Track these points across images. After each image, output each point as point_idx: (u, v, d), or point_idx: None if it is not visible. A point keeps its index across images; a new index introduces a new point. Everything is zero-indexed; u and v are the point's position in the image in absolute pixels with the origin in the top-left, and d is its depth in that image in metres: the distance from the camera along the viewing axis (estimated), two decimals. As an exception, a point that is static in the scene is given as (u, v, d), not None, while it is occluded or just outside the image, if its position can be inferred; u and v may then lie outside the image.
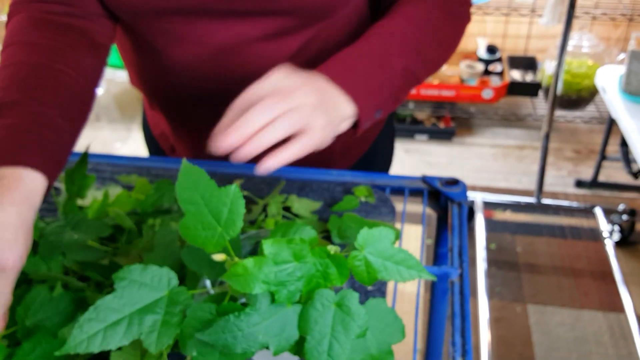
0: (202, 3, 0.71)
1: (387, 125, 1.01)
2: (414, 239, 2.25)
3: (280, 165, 0.58)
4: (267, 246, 0.45)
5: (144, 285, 0.46)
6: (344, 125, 0.65)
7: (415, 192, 0.87)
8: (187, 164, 0.49)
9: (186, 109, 0.88)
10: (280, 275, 0.45)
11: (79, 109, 0.69)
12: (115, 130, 2.90)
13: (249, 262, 0.45)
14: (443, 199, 0.85)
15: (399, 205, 0.88)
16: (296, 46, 0.76)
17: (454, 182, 0.85)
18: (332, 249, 0.48)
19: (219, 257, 0.48)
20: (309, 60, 0.78)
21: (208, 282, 0.54)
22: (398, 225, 0.83)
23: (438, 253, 0.89)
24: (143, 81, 0.89)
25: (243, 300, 0.49)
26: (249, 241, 0.60)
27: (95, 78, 0.73)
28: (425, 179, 0.87)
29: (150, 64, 0.83)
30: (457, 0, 0.79)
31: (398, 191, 0.88)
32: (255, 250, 0.62)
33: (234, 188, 0.48)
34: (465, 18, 0.80)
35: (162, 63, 0.81)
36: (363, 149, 0.99)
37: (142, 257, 0.69)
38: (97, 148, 2.78)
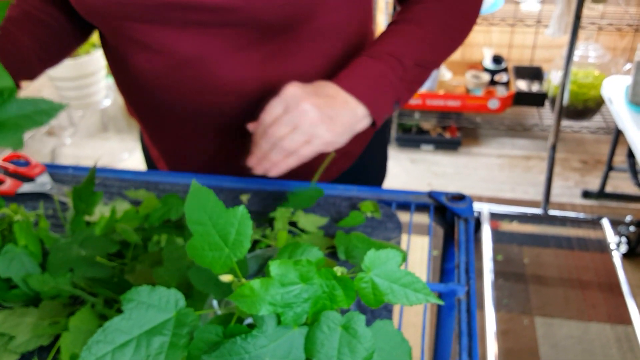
0: (160, 13, 0.71)
1: (377, 138, 1.01)
2: (420, 249, 2.25)
3: (286, 169, 0.70)
4: (274, 267, 0.45)
5: (152, 307, 0.46)
6: (361, 124, 0.74)
7: (421, 207, 0.87)
8: (197, 184, 0.49)
9: (159, 120, 0.89)
10: (287, 296, 0.45)
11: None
12: (122, 141, 2.92)
13: (256, 283, 0.45)
14: (449, 214, 0.85)
15: (405, 216, 0.88)
16: (259, 58, 0.77)
17: (460, 197, 0.85)
18: (338, 270, 0.48)
19: (226, 277, 0.48)
20: (276, 72, 0.79)
21: (215, 302, 0.54)
22: (404, 238, 0.83)
23: (445, 269, 0.89)
24: (121, 90, 0.91)
25: (250, 320, 0.49)
26: (256, 260, 0.60)
27: (46, 56, 0.83)
28: (431, 194, 0.87)
29: (124, 72, 0.85)
30: (467, 2, 0.81)
31: (404, 206, 0.88)
32: (263, 269, 0.62)
33: (242, 209, 0.49)
34: (475, 14, 0.84)
35: (132, 71, 0.82)
36: (347, 164, 0.98)
37: (150, 274, 0.69)
38: (104, 158, 2.79)
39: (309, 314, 0.46)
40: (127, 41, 0.78)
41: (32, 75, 0.82)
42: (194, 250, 0.48)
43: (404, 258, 0.50)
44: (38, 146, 2.89)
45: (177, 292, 0.48)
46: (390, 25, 0.82)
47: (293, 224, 0.81)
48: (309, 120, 0.68)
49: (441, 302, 0.48)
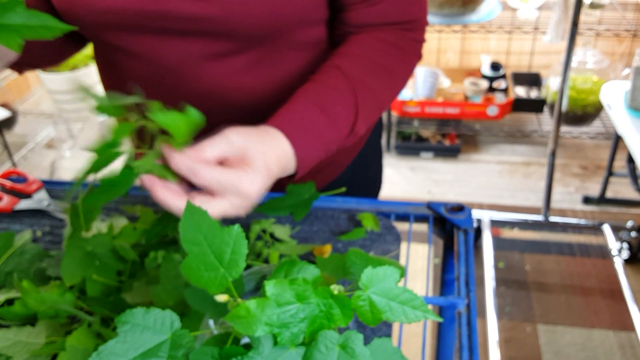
0: (139, 21, 0.72)
1: (370, 148, 1.00)
2: (420, 257, 2.24)
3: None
4: (270, 287, 0.45)
5: (147, 329, 0.46)
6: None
7: (420, 219, 0.87)
8: (191, 204, 0.49)
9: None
10: (283, 316, 0.45)
11: None
12: (121, 152, 2.91)
13: (252, 303, 0.45)
14: (449, 225, 0.85)
15: (403, 226, 0.87)
16: (239, 67, 0.76)
17: (459, 208, 0.85)
18: (335, 288, 0.47)
19: (221, 297, 0.48)
20: (258, 80, 0.78)
21: (211, 322, 0.54)
22: (403, 249, 0.82)
23: (444, 280, 0.88)
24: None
25: (246, 339, 0.49)
26: (254, 276, 0.60)
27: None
28: (430, 205, 0.86)
29: (112, 78, 0.85)
30: (408, 37, 0.79)
31: (403, 217, 0.87)
32: (260, 286, 0.62)
33: (237, 228, 0.48)
34: (417, 56, 0.81)
35: (120, 77, 0.83)
36: (334, 174, 0.98)
37: (147, 292, 0.69)
38: (103, 171, 2.78)
39: (306, 334, 0.46)
40: (115, 49, 0.79)
41: (31, 62, 0.84)
42: (190, 271, 0.48)
43: (402, 274, 0.49)
44: (37, 159, 2.89)
45: (172, 313, 0.47)
46: (342, 71, 0.74)
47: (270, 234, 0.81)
48: (246, 203, 0.60)
49: (440, 319, 0.47)
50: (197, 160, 0.57)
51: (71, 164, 2.83)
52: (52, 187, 0.95)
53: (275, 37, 0.74)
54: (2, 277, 0.76)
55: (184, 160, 0.56)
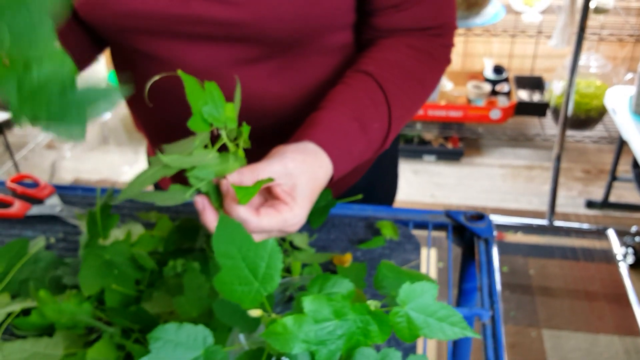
0: (168, 25, 0.70)
1: (388, 155, 0.99)
2: (424, 261, 2.23)
3: None
4: (308, 304, 0.44)
5: (180, 345, 0.45)
6: None
7: (439, 227, 0.86)
8: (225, 216, 0.48)
9: (167, 134, 0.88)
10: (321, 333, 0.44)
11: None
12: (123, 154, 2.90)
13: (289, 320, 0.43)
14: (468, 233, 0.84)
15: (419, 232, 0.86)
16: (266, 73, 0.76)
17: (479, 216, 0.84)
18: (372, 304, 0.46)
19: (255, 312, 0.47)
20: (283, 85, 0.77)
21: (242, 337, 0.52)
22: (423, 257, 0.81)
23: (463, 289, 0.88)
24: (129, 104, 0.90)
25: (283, 358, 0.48)
26: (279, 289, 0.59)
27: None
28: (449, 214, 0.85)
29: (134, 84, 0.83)
30: (437, 43, 0.78)
31: (421, 226, 0.86)
32: (286, 299, 0.61)
33: (272, 242, 0.47)
34: (446, 61, 0.80)
35: (142, 83, 0.81)
36: (354, 179, 0.97)
37: (168, 301, 0.68)
38: (105, 172, 2.77)
39: (343, 351, 0.45)
40: (136, 53, 0.77)
41: None
42: (223, 285, 0.46)
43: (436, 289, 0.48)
44: (38, 160, 2.87)
45: (204, 328, 0.46)
46: (376, 83, 0.74)
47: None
48: (293, 230, 0.62)
49: (479, 336, 0.46)
50: (249, 209, 0.56)
51: (72, 164, 2.82)
52: (64, 192, 0.93)
53: (304, 42, 0.73)
54: (16, 285, 0.74)
55: (235, 210, 0.54)
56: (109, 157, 2.89)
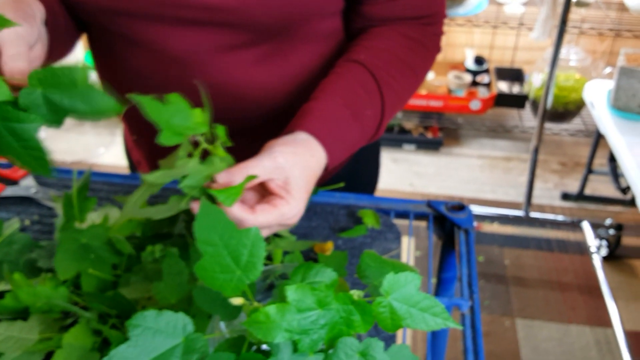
0: (152, 9, 0.69)
1: (369, 145, 0.99)
2: (404, 250, 2.24)
3: None
4: (291, 293, 0.43)
5: (159, 332, 0.44)
6: None
7: (420, 216, 0.86)
8: (207, 203, 0.47)
9: (145, 121, 0.87)
10: (304, 323, 0.43)
11: None
12: (99, 135, 2.85)
13: (272, 309, 0.43)
14: (448, 224, 0.84)
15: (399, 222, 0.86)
16: (251, 60, 0.74)
17: (460, 207, 0.84)
18: (355, 294, 0.46)
19: (237, 301, 0.46)
20: (268, 73, 0.76)
21: (222, 324, 0.52)
22: (404, 247, 0.81)
23: (442, 279, 0.88)
24: (107, 89, 0.88)
25: (264, 346, 0.47)
26: (260, 276, 0.58)
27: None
28: (430, 204, 0.85)
29: (112, 71, 0.82)
30: (429, 31, 0.78)
31: (402, 215, 0.86)
32: (267, 286, 0.60)
33: (254, 230, 0.46)
34: (436, 50, 0.80)
35: (120, 70, 0.79)
36: (330, 172, 0.96)
37: (146, 287, 0.66)
38: (80, 153, 2.73)
39: (325, 341, 0.44)
40: (117, 38, 0.75)
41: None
42: (204, 272, 0.46)
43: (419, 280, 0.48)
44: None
45: (184, 316, 0.45)
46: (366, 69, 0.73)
47: None
48: (293, 222, 0.62)
49: (460, 327, 0.46)
50: (243, 209, 0.55)
51: (46, 145, 2.76)
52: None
53: (290, 28, 0.71)
54: (-11, 268, 0.73)
55: (229, 210, 0.53)
56: (84, 138, 2.84)
